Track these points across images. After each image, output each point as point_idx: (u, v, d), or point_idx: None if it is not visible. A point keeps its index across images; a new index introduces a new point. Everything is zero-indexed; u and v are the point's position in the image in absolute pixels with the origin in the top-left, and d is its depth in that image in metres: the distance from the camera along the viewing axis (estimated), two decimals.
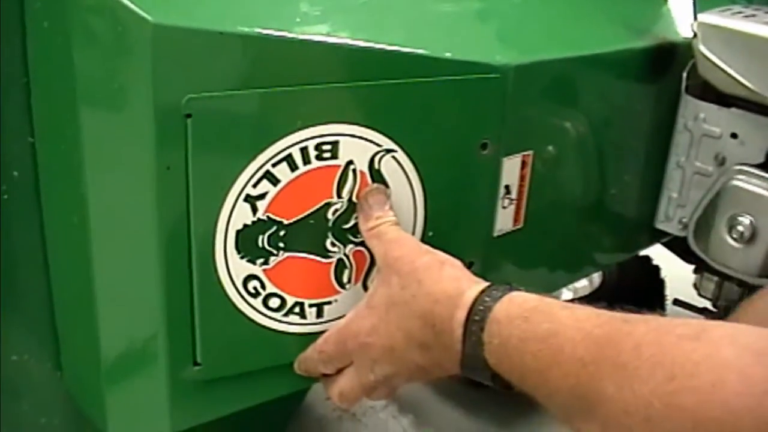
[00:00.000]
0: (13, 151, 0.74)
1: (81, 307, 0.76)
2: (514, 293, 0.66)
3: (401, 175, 0.79)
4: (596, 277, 1.65)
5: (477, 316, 0.65)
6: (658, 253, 1.46)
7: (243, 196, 0.71)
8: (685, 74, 1.09)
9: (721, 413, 0.49)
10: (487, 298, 0.65)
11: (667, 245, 1.31)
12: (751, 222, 1.02)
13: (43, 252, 0.79)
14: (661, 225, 1.17)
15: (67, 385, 0.85)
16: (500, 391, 0.67)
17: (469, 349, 0.65)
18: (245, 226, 0.72)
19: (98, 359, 0.75)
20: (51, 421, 0.88)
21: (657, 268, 1.63)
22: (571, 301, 1.48)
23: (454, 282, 0.69)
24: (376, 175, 0.77)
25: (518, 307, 0.64)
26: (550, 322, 0.61)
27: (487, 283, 0.68)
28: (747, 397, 0.48)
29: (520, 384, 0.63)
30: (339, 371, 0.77)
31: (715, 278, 1.22)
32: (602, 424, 0.55)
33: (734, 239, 1.04)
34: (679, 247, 1.25)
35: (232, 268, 0.73)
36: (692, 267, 1.29)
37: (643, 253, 1.53)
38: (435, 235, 0.83)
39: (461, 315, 0.66)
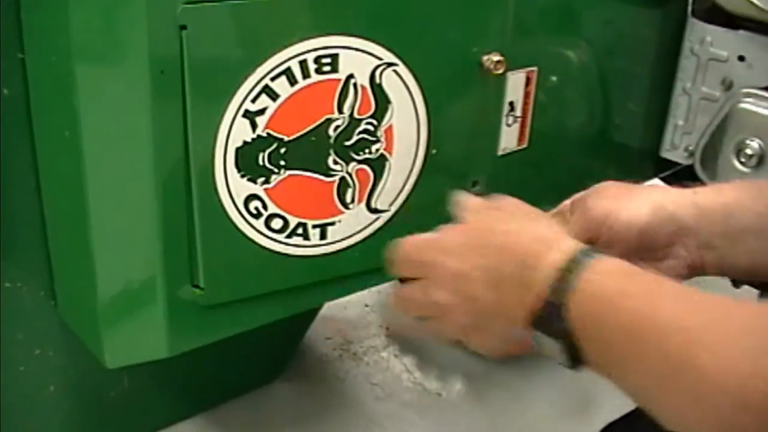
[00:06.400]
0: (2, 67, 0.72)
1: (75, 230, 0.74)
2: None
3: (403, 90, 0.77)
4: None
5: (574, 262, 0.60)
6: None
7: (242, 111, 0.69)
8: None
9: None
10: (585, 248, 0.61)
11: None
12: (759, 145, 1.00)
13: (35, 174, 0.77)
14: (666, 154, 1.15)
15: (62, 314, 0.83)
16: (559, 362, 0.60)
17: (550, 295, 0.60)
18: (245, 143, 0.70)
19: (94, 283, 0.73)
20: (45, 352, 0.87)
21: None
22: None
23: (557, 232, 0.65)
24: (378, 90, 0.75)
25: (619, 264, 0.59)
26: (652, 281, 0.57)
27: None
28: None
29: (596, 344, 0.58)
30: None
31: None
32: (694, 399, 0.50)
33: (742, 163, 1.03)
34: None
35: (233, 187, 0.71)
36: None
37: None
38: (439, 152, 0.81)
39: (557, 256, 0.61)
